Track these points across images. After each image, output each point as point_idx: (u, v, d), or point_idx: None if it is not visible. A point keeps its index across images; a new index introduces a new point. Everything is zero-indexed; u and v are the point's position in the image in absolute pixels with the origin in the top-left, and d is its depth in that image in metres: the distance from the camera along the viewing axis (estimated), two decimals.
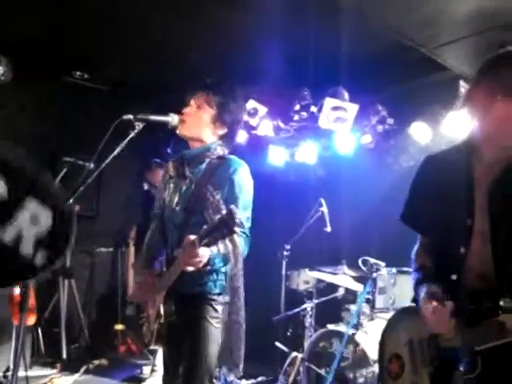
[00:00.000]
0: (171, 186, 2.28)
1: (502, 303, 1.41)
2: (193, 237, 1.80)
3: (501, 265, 1.48)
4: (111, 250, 5.47)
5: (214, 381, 2.09)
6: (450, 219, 1.60)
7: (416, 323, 1.65)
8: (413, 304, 1.74)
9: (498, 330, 1.39)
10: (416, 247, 1.82)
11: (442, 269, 1.63)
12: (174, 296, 2.10)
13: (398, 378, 1.77)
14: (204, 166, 2.20)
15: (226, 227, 1.68)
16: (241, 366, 2.00)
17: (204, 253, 1.84)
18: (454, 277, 1.56)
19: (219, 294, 2.12)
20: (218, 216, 1.71)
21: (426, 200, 1.68)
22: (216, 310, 2.10)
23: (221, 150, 2.23)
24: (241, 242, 2.00)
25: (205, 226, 1.79)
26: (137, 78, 4.77)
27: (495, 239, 1.50)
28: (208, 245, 1.79)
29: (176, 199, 2.22)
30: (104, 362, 4.51)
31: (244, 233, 2.06)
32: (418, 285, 1.67)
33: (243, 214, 2.08)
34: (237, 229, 1.69)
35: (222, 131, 2.24)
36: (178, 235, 2.13)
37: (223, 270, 2.10)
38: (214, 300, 2.11)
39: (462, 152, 1.64)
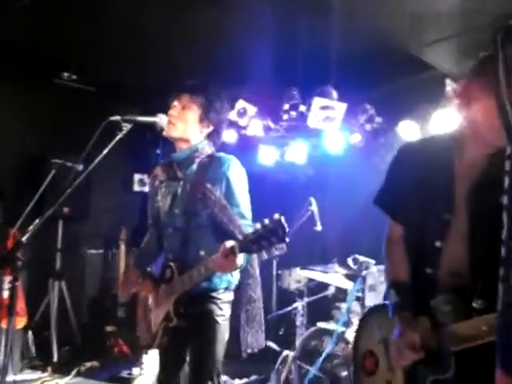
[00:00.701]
0: (163, 190, 2.28)
1: (474, 305, 1.41)
2: (231, 243, 1.81)
3: (476, 265, 1.47)
4: (101, 251, 5.44)
5: (220, 378, 2.11)
6: (428, 211, 1.58)
7: (390, 322, 1.63)
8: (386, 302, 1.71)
9: (471, 332, 1.38)
10: (387, 238, 1.75)
11: (417, 260, 1.61)
12: (183, 297, 2.08)
13: (372, 374, 1.76)
14: (195, 166, 2.20)
15: (275, 236, 1.68)
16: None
17: (241, 258, 1.86)
18: (428, 270, 1.55)
19: (225, 290, 2.14)
20: (264, 224, 1.70)
21: (403, 186, 1.66)
22: (221, 309, 2.13)
23: (209, 149, 2.24)
24: None
25: (245, 233, 1.80)
26: (125, 80, 4.75)
27: (473, 238, 1.49)
28: (251, 252, 1.80)
29: (169, 202, 2.22)
30: (96, 364, 4.48)
31: (250, 225, 2.10)
32: (396, 309, 1.61)
33: (245, 206, 2.14)
34: (287, 238, 1.69)
35: (209, 130, 2.24)
36: (180, 239, 2.13)
37: None
38: (219, 299, 2.13)
39: (443, 145, 1.62)
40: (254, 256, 1.99)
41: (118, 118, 1.90)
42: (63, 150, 4.35)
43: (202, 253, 2.06)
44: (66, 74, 4.66)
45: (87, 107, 4.83)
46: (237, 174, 2.16)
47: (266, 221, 1.70)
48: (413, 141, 1.79)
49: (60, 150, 4.42)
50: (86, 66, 4.54)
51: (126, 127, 1.90)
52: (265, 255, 1.86)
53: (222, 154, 2.23)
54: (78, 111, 4.89)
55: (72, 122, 4.85)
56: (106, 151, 1.82)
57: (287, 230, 1.67)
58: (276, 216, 1.69)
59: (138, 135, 2.15)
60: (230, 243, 1.82)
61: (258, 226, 1.72)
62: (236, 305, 2.20)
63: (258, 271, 2.17)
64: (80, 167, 2.02)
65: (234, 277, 2.18)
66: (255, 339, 2.14)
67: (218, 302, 2.13)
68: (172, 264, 2.12)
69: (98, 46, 4.08)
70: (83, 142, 1.90)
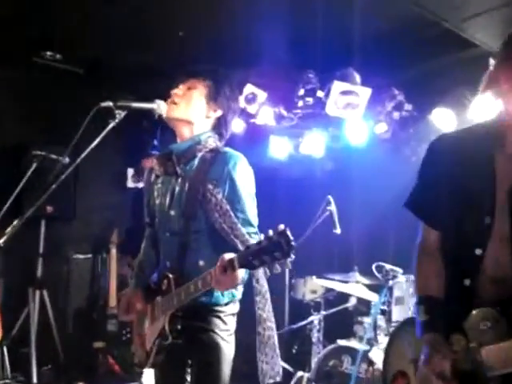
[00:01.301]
0: (159, 186, 2.26)
1: None
2: (229, 256, 1.80)
3: None
4: (90, 256, 5.46)
5: None
6: (466, 215, 1.56)
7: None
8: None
9: (510, 356, 1.36)
10: (419, 246, 1.75)
11: (453, 272, 1.59)
12: (181, 311, 2.07)
13: None
14: (196, 161, 2.18)
15: (278, 250, 1.66)
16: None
17: (241, 274, 1.87)
18: (467, 282, 1.53)
19: (227, 304, 2.14)
20: (268, 236, 1.68)
21: (437, 186, 1.64)
22: (225, 323, 2.12)
23: (213, 142, 2.22)
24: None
25: (246, 246, 1.79)
26: (117, 59, 4.74)
27: None
28: (253, 267, 1.78)
29: (167, 201, 2.21)
30: None
31: (255, 233, 2.11)
32: (424, 329, 1.59)
33: (251, 212, 2.13)
34: (292, 254, 1.68)
35: (216, 114, 2.23)
36: (178, 245, 2.13)
37: None
38: (221, 312, 2.12)
39: (483, 137, 1.60)
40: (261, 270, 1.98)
41: (110, 103, 1.89)
42: (46, 140, 4.37)
43: (202, 263, 2.06)
44: (48, 53, 4.67)
45: (74, 91, 4.85)
46: (243, 175, 2.14)
47: (270, 232, 1.68)
48: (447, 133, 1.76)
49: (43, 140, 4.44)
50: (71, 43, 4.55)
51: (120, 115, 1.89)
52: (268, 272, 1.86)
53: (227, 150, 2.21)
54: (63, 95, 4.91)
55: (57, 108, 4.87)
56: (96, 142, 1.82)
57: (293, 243, 1.65)
58: (280, 227, 1.67)
59: (132, 124, 2.15)
60: (228, 256, 1.81)
61: (262, 238, 1.71)
62: (248, 328, 2.20)
63: (266, 287, 2.17)
64: (66, 160, 2.03)
65: (238, 289, 2.17)
66: (270, 367, 2.13)
67: (222, 314, 2.12)
68: (170, 275, 2.10)
69: (86, 22, 4.08)
70: (69, 131, 1.90)
